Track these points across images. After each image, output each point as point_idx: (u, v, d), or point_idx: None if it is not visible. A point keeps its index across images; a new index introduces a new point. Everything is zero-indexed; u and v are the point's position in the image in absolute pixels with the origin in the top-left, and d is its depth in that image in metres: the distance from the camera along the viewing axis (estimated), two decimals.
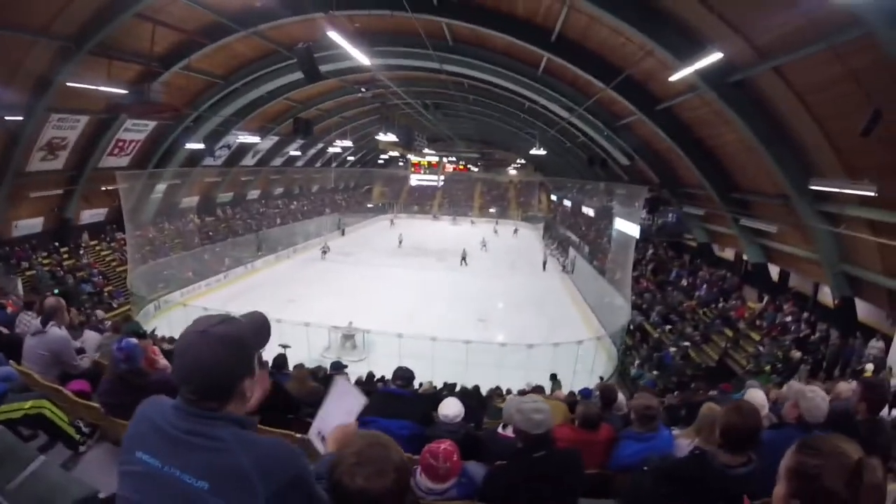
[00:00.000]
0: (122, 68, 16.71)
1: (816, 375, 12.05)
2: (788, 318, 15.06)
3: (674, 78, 11.83)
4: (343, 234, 43.17)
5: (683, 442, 3.94)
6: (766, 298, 16.72)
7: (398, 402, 4.58)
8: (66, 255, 20.72)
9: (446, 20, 15.56)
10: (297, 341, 12.03)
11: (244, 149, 30.14)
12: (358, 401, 2.47)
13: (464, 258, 32.84)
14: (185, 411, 1.39)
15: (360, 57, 13.25)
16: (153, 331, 15.11)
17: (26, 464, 2.05)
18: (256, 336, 1.53)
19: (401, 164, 56.03)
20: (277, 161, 36.08)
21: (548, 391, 11.46)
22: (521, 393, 9.45)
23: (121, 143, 20.92)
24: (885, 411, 4.82)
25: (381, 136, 31.34)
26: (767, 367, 13.56)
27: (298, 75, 20.11)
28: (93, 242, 22.61)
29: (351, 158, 50.20)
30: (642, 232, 21.30)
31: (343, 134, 36.57)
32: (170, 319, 17.44)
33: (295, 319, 15.06)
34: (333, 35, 11.70)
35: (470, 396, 8.75)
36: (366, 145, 46.61)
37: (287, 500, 1.34)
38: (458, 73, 21.71)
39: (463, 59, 19.43)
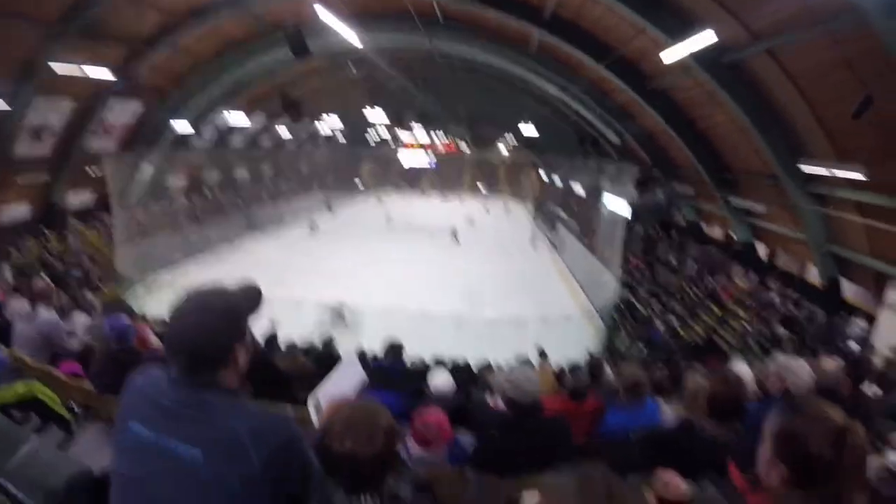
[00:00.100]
0: (107, 50, 16.40)
1: (802, 353, 12.23)
2: (775, 297, 15.21)
3: (667, 58, 11.80)
4: (331, 211, 42.92)
5: (669, 413, 4.01)
6: (753, 277, 16.87)
7: (389, 374, 4.64)
8: (53, 240, 20.48)
9: None
10: (288, 319, 12.02)
11: (232, 129, 29.77)
12: (360, 379, 2.51)
13: (454, 235, 32.84)
14: (178, 381, 1.40)
15: (350, 35, 13.08)
16: (143, 312, 15.09)
17: (20, 446, 2.04)
18: (248, 302, 1.54)
19: (390, 141, 55.57)
20: (265, 141, 35.67)
21: (536, 366, 11.57)
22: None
23: (107, 126, 20.57)
24: (868, 388, 4.95)
25: (370, 113, 31.08)
26: (754, 345, 13.72)
27: (286, 54, 19.78)
28: (81, 226, 22.33)
29: (340, 136, 49.74)
30: (632, 210, 21.35)
31: (331, 111, 36.19)
32: (159, 300, 17.35)
33: (285, 297, 15.06)
34: (322, 13, 11.54)
35: (460, 371, 8.81)
36: (355, 123, 46.19)
37: (279, 464, 1.35)
38: (449, 50, 21.50)
39: (454, 38, 19.22)
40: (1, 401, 3.07)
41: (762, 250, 17.17)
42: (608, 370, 6.21)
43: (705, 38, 9.91)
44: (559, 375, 7.52)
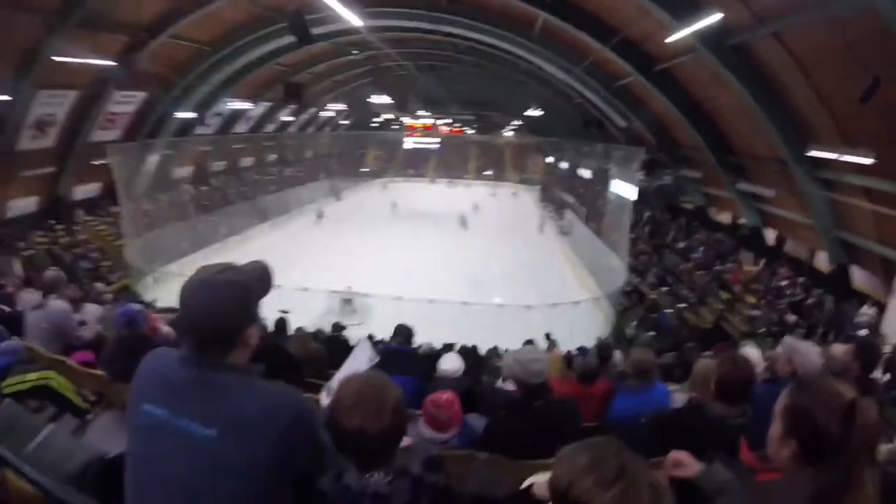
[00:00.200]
0: (108, 40, 16.27)
1: (810, 340, 12.19)
2: (784, 283, 15.13)
3: (671, 39, 11.68)
4: (339, 199, 42.91)
5: (679, 396, 4.01)
6: (761, 262, 16.79)
7: (399, 357, 4.66)
8: (61, 233, 20.53)
9: None
10: (297, 307, 12.06)
11: (236, 116, 29.68)
12: (369, 357, 2.55)
13: (463, 221, 32.73)
14: (190, 360, 1.40)
15: (353, 18, 12.94)
16: (153, 301, 15.17)
17: (35, 433, 2.07)
18: (259, 283, 1.53)
19: (395, 127, 55.37)
20: (270, 128, 35.62)
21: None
22: None
23: (111, 117, 20.53)
24: (878, 374, 4.92)
25: (374, 99, 30.96)
26: (763, 330, 13.68)
27: (289, 40, 19.76)
28: (88, 218, 22.37)
29: (344, 122, 49.63)
30: (639, 194, 21.23)
31: (336, 98, 36.09)
32: (169, 290, 17.42)
33: (293, 285, 15.11)
34: None
35: (468, 355, 8.85)
36: (359, 109, 46.05)
37: (291, 439, 1.36)
38: (452, 33, 21.33)
39: (458, 20, 19.06)
40: (15, 390, 3.10)
41: (770, 236, 17.06)
42: (617, 354, 6.22)
43: (710, 20, 9.80)
44: (568, 360, 7.53)
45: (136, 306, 4.02)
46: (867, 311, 11.86)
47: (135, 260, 20.13)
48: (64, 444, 2.08)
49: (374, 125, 54.71)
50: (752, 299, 15.55)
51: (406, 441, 1.75)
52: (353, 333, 11.16)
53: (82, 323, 5.55)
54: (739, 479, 1.75)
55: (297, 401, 1.44)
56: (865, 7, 7.75)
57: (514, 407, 3.00)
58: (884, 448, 2.60)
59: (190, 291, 1.41)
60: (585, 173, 32.52)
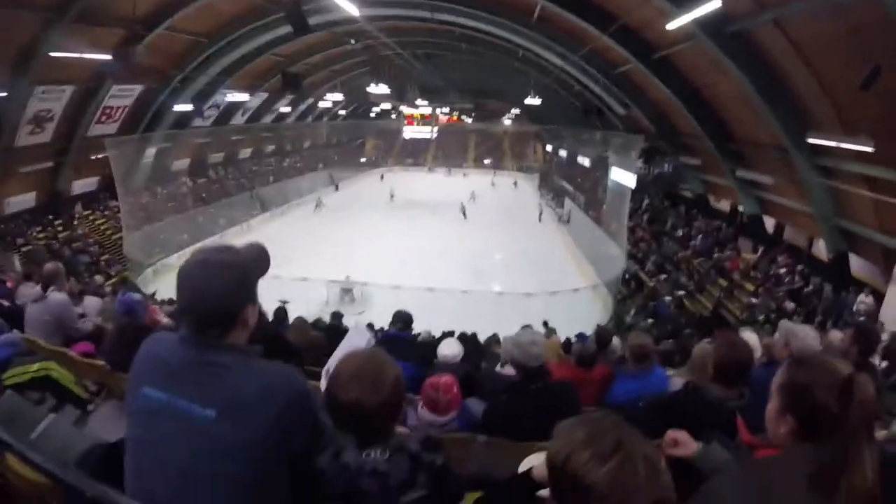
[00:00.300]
0: (104, 34, 16.19)
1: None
2: (782, 270, 15.14)
3: (671, 26, 11.61)
4: (337, 189, 42.82)
5: (677, 380, 4.03)
6: (760, 250, 16.79)
7: (398, 344, 4.66)
8: (60, 228, 20.53)
9: None
10: (296, 296, 12.09)
11: (233, 107, 29.60)
12: (367, 340, 2.57)
13: (463, 210, 32.70)
14: (189, 341, 1.41)
15: (349, 7, 12.87)
16: (153, 294, 15.20)
17: (36, 424, 2.08)
18: (256, 263, 1.54)
19: (393, 116, 55.20)
20: (268, 118, 35.53)
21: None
22: None
23: (108, 111, 20.45)
24: (877, 361, 4.93)
25: (373, 88, 30.80)
26: (761, 318, 13.70)
27: (285, 30, 19.68)
28: (87, 212, 22.36)
29: (342, 112, 49.46)
30: (638, 182, 21.20)
31: (333, 87, 35.92)
32: (168, 283, 17.44)
33: (293, 275, 15.14)
34: None
35: (468, 342, 8.87)
36: (357, 98, 45.85)
37: (289, 420, 1.37)
38: (449, 21, 21.20)
39: (455, 7, 18.95)
40: (16, 381, 3.11)
41: (769, 223, 17.04)
42: (616, 341, 6.24)
43: (710, 7, 9.74)
44: (566, 346, 7.55)
45: (136, 296, 4.02)
46: (865, 300, 11.88)
47: (134, 253, 20.16)
48: (65, 434, 2.09)
49: (372, 115, 54.57)
50: (750, 287, 15.56)
51: (404, 430, 1.75)
52: (351, 322, 11.20)
53: (82, 315, 5.55)
54: (737, 459, 1.76)
55: (295, 381, 1.45)
56: None
57: (513, 390, 3.02)
58: (881, 434, 2.61)
59: (188, 273, 1.41)
60: (584, 161, 32.47)
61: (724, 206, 20.03)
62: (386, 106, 50.53)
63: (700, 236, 19.83)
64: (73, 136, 19.47)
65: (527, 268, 22.07)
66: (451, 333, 10.75)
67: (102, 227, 22.41)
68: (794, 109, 11.91)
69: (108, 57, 15.52)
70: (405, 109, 50.21)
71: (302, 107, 39.14)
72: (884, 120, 9.43)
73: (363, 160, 54.86)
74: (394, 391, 1.55)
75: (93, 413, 3.37)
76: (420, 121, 52.54)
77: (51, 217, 20.49)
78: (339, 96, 34.80)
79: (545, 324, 14.00)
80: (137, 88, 21.00)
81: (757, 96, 12.20)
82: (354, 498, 1.49)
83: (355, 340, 2.60)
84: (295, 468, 1.44)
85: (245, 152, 36.12)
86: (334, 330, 8.27)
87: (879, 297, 11.67)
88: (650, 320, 16.61)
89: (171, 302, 10.66)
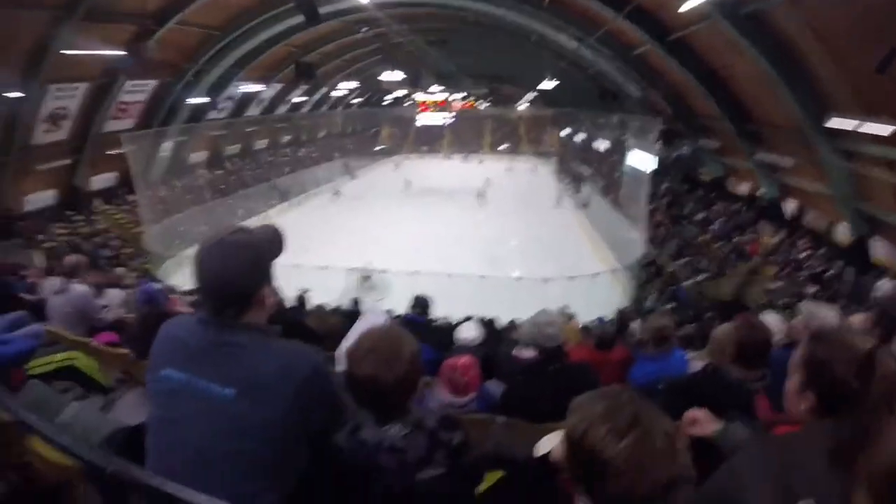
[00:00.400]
0: (115, 30, 16.38)
1: None
2: (803, 255, 14.92)
3: (685, 8, 11.45)
4: (353, 177, 42.89)
5: (697, 363, 3.99)
6: (781, 234, 16.54)
7: (417, 328, 4.66)
8: (81, 223, 20.76)
9: None
10: (316, 285, 12.15)
11: (248, 99, 29.74)
12: (381, 319, 2.58)
13: (480, 196, 32.49)
14: (207, 322, 1.44)
15: None
16: (174, 287, 15.38)
17: (60, 412, 2.11)
18: (271, 244, 1.56)
19: (407, 103, 54.97)
20: (282, 109, 35.62)
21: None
22: None
23: (123, 106, 20.70)
24: None
25: (386, 75, 30.73)
26: (781, 302, 13.53)
27: (297, 20, 19.66)
28: (106, 207, 22.61)
29: (356, 101, 49.40)
30: (657, 165, 20.95)
31: (347, 76, 35.90)
32: (188, 274, 17.55)
33: (312, 264, 15.22)
34: None
35: (486, 327, 8.87)
36: (371, 86, 45.76)
37: (307, 397, 1.40)
38: (461, 6, 21.03)
39: None
40: (41, 371, 3.15)
41: (790, 207, 16.75)
42: (635, 324, 6.21)
43: None
44: (586, 330, 7.52)
45: (156, 285, 4.08)
46: (887, 283, 11.65)
47: (154, 245, 20.38)
48: (90, 419, 2.12)
49: (386, 103, 54.39)
50: (771, 271, 15.35)
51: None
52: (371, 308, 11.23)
53: (105, 307, 5.63)
54: (757, 436, 1.74)
55: (313, 359, 1.47)
56: None
57: (531, 371, 3.01)
58: None
59: (204, 254, 1.43)
60: (602, 145, 32.12)
61: (744, 189, 19.72)
62: (400, 93, 50.37)
63: (720, 220, 19.59)
64: (89, 132, 19.69)
65: (545, 253, 21.88)
66: (469, 319, 10.77)
67: (122, 221, 22.64)
68: (812, 91, 11.73)
69: (120, 53, 15.66)
70: (419, 96, 49.96)
71: (316, 96, 39.18)
72: None
73: (378, 148, 54.70)
74: (410, 366, 1.56)
75: (118, 401, 3.42)
76: (434, 107, 52.19)
77: (71, 213, 20.72)
78: (353, 84, 34.76)
79: (563, 309, 13.96)
80: (151, 83, 21.18)
81: (774, 77, 12.03)
82: (372, 475, 1.50)
83: (371, 319, 2.62)
84: (313, 445, 1.47)
85: (261, 143, 36.25)
86: (354, 316, 8.30)
87: None
88: (670, 305, 16.47)
89: (192, 292, 10.78)
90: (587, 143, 36.48)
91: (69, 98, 17.78)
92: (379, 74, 34.97)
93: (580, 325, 9.56)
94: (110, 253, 19.80)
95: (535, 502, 1.28)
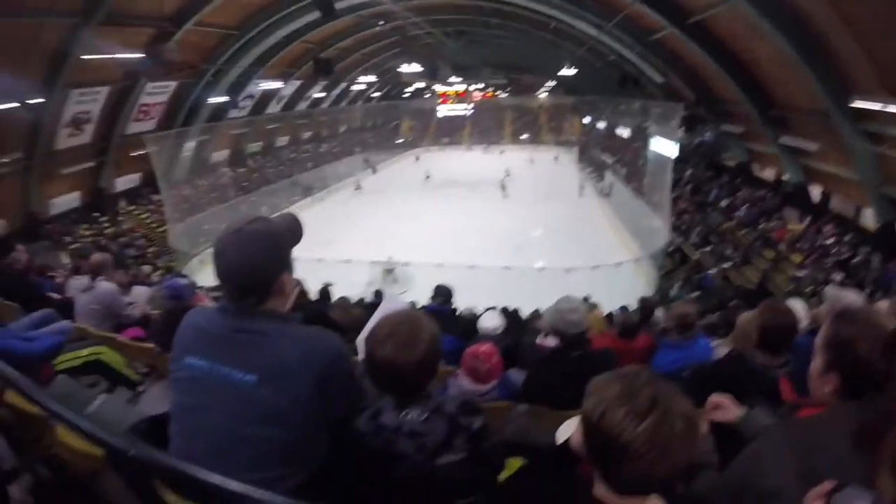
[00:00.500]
0: (134, 34, 16.66)
1: None
2: (829, 241, 14.61)
3: None
4: (375, 171, 43.01)
5: (721, 350, 3.93)
6: (806, 220, 16.21)
7: (439, 317, 4.65)
8: (106, 224, 21.16)
9: None
10: (339, 279, 12.21)
11: (268, 97, 29.99)
12: (401, 306, 2.59)
13: (503, 187, 32.28)
14: (228, 310, 1.45)
15: None
16: (200, 287, 15.58)
17: (87, 405, 2.15)
18: (290, 232, 1.57)
19: (427, 95, 54.83)
20: (302, 105, 35.84)
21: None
22: None
23: (144, 108, 21.02)
24: None
25: (404, 68, 30.66)
26: (808, 290, 13.27)
27: (313, 16, 19.76)
28: (131, 208, 23.01)
29: (376, 95, 49.45)
30: (679, 152, 20.64)
31: (365, 70, 35.94)
32: (213, 272, 17.77)
33: (335, 258, 15.32)
34: None
35: (509, 317, 8.83)
36: (390, 80, 45.81)
37: (328, 381, 1.41)
38: None
39: None
40: (68, 366, 3.23)
41: (815, 192, 16.39)
42: (659, 312, 6.13)
43: None
44: (609, 319, 7.45)
45: (182, 280, 4.12)
46: None
47: (179, 244, 20.66)
48: (116, 411, 2.16)
49: (405, 95, 54.34)
50: (797, 258, 15.06)
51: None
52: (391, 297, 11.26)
53: (131, 304, 5.72)
54: (780, 420, 1.71)
55: (334, 345, 1.48)
56: None
57: (553, 358, 2.99)
58: None
59: (223, 243, 1.44)
60: (624, 132, 31.76)
61: (769, 174, 19.34)
62: (419, 85, 50.28)
63: (744, 207, 19.26)
64: (112, 135, 20.05)
65: (568, 243, 21.71)
66: (492, 309, 10.72)
67: (147, 221, 23.03)
68: (835, 72, 11.41)
69: (140, 56, 15.87)
70: (438, 88, 49.83)
71: (336, 91, 39.34)
72: None
73: (399, 141, 54.76)
74: (429, 349, 1.56)
75: (143, 394, 3.49)
76: (454, 98, 52.02)
77: (96, 214, 21.11)
78: (371, 78, 34.78)
79: (586, 299, 13.84)
80: (172, 84, 21.45)
81: (796, 58, 11.71)
82: (391, 460, 1.51)
83: (391, 307, 2.62)
84: (334, 431, 1.48)
85: (282, 140, 36.56)
86: (376, 308, 8.33)
87: None
88: (695, 293, 16.26)
89: (216, 288, 10.88)
90: (609, 131, 36.11)
91: (91, 102, 18.11)
92: (397, 68, 34.93)
93: (604, 315, 9.49)
94: (136, 252, 20.14)
95: (555, 489, 1.27)
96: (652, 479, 1.05)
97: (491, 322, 4.32)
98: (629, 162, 30.24)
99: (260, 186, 30.68)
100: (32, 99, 15.14)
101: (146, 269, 16.65)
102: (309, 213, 29.87)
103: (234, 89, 24.56)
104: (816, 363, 1.35)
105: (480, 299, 10.66)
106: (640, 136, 26.28)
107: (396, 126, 56.80)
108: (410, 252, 18.32)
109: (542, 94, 54.50)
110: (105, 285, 4.66)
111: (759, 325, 2.48)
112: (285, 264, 1.50)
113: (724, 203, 20.84)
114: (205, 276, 17.94)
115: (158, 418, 1.59)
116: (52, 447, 1.79)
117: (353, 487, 1.55)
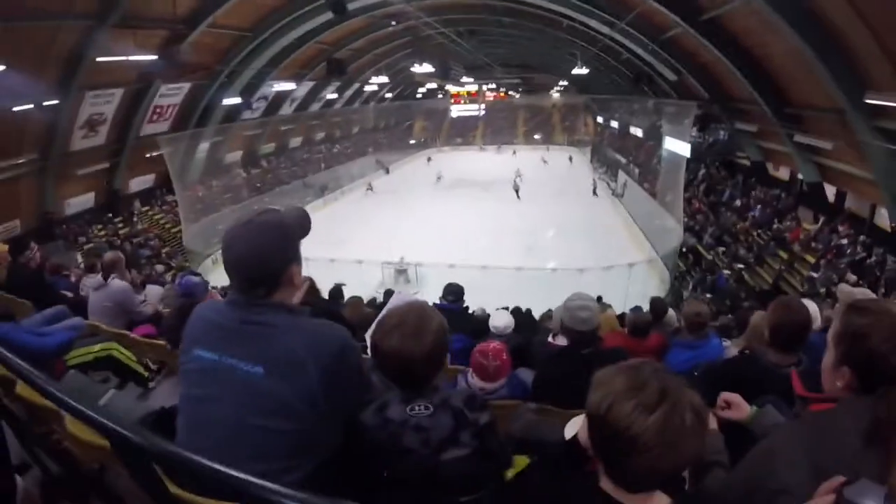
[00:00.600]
0: (147, 36, 16.81)
1: None
2: (844, 241, 14.41)
3: None
4: (387, 172, 43.09)
5: (733, 350, 3.89)
6: (821, 220, 16.01)
7: (450, 316, 4.64)
8: (120, 225, 21.42)
9: None
10: (352, 279, 12.24)
11: (281, 98, 30.12)
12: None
13: (516, 189, 32.09)
14: (237, 302, 1.45)
15: None
16: (214, 287, 15.67)
17: (97, 400, 2.16)
18: (298, 224, 1.58)
19: (440, 95, 54.86)
20: (315, 106, 35.97)
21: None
22: None
23: (158, 110, 21.20)
24: None
25: (417, 68, 30.67)
26: (822, 291, 13.11)
27: (326, 17, 19.83)
28: (145, 208, 23.26)
29: (388, 95, 49.54)
30: (693, 151, 20.49)
31: (378, 71, 36.03)
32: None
33: (348, 258, 15.36)
34: None
35: (521, 317, 8.80)
36: (402, 80, 45.86)
37: (335, 373, 1.41)
38: None
39: None
40: (80, 361, 3.26)
41: (830, 192, 16.19)
42: (671, 312, 6.07)
43: None
44: (621, 319, 7.39)
45: (195, 278, 4.14)
46: None
47: (193, 244, 20.84)
48: (125, 405, 2.17)
49: (418, 96, 54.38)
50: (811, 258, 14.89)
51: None
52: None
53: (143, 302, 5.76)
54: (792, 415, 1.68)
55: (341, 337, 1.48)
56: None
57: (562, 356, 2.96)
58: None
59: (232, 235, 1.45)
60: (637, 131, 31.60)
61: (783, 174, 19.15)
62: (432, 86, 50.30)
63: (759, 206, 19.07)
64: (127, 136, 20.26)
65: (581, 243, 21.65)
66: (504, 309, 10.69)
67: (161, 222, 23.26)
68: (850, 69, 11.23)
69: (153, 58, 16.01)
70: (451, 88, 49.83)
71: (348, 92, 39.45)
72: None
73: (412, 142, 54.82)
74: (437, 341, 1.56)
75: (154, 390, 3.51)
76: (467, 98, 52.06)
77: (110, 215, 21.36)
78: (384, 79, 34.87)
79: (599, 299, 13.75)
80: (186, 86, 21.62)
81: (812, 55, 11.55)
82: (396, 454, 1.50)
83: (401, 298, 2.62)
84: (340, 424, 1.48)
85: (295, 141, 36.78)
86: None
87: None
88: (708, 295, 16.13)
89: (230, 288, 10.92)
90: (622, 130, 35.93)
91: (105, 104, 18.30)
92: (409, 68, 34.97)
93: (616, 314, 9.43)
94: (150, 252, 20.32)
95: (563, 486, 1.25)
96: (658, 474, 1.04)
97: (501, 321, 4.29)
98: (642, 161, 30.08)
99: (273, 187, 30.92)
100: (48, 101, 15.32)
101: (159, 268, 16.78)
102: (321, 213, 30.02)
103: (248, 90, 24.69)
104: (828, 357, 1.32)
105: (493, 300, 10.65)
106: (654, 136, 26.12)
107: (409, 126, 56.86)
108: (423, 252, 18.34)
109: (555, 94, 54.31)
110: (118, 283, 4.70)
111: (770, 322, 2.44)
112: (294, 256, 1.51)
113: (737, 203, 20.66)
114: (218, 275, 18.00)
115: (167, 411, 1.59)
116: (61, 441, 1.81)
117: (360, 481, 1.54)
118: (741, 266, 16.89)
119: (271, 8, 20.72)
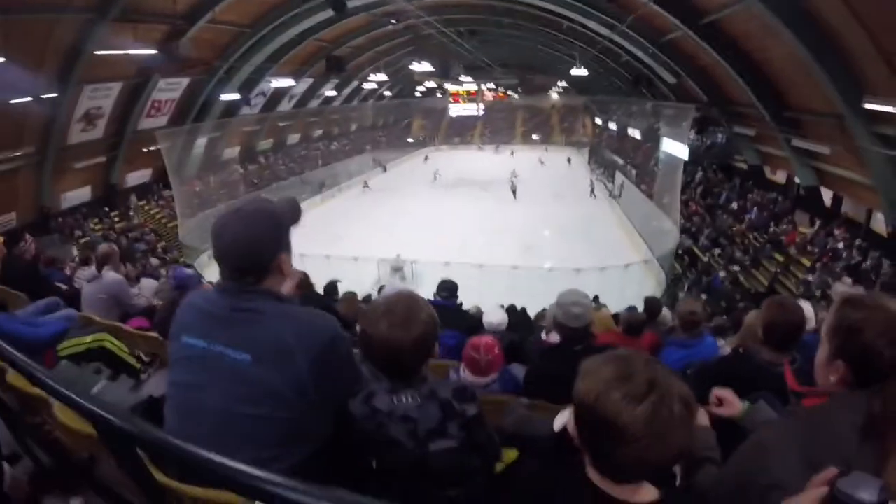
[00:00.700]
0: (147, 30, 16.76)
1: None
2: (840, 245, 14.47)
3: None
4: (385, 170, 43.09)
5: (728, 349, 3.89)
6: (817, 224, 16.06)
7: (443, 312, 4.64)
8: (116, 219, 21.37)
9: None
10: (347, 276, 12.23)
11: (280, 94, 30.07)
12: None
13: (513, 190, 32.01)
14: (226, 290, 1.46)
15: None
16: (210, 281, 15.65)
17: (89, 390, 2.15)
18: (288, 212, 1.58)
19: (439, 94, 54.81)
20: (314, 103, 35.91)
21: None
22: None
23: (157, 104, 21.16)
24: None
25: (416, 67, 30.60)
26: (818, 293, 13.14)
27: (326, 14, 19.79)
28: (141, 203, 23.22)
29: (387, 93, 49.49)
30: (691, 153, 20.51)
31: (377, 69, 36.01)
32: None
33: (343, 255, 15.32)
34: None
35: (517, 316, 8.79)
36: (402, 79, 45.81)
37: (325, 363, 1.41)
38: None
39: None
40: (71, 352, 3.25)
41: (827, 195, 16.25)
42: (665, 312, 6.08)
43: None
44: (616, 318, 7.40)
45: (188, 271, 4.13)
46: None
47: (189, 239, 20.76)
48: (117, 396, 2.16)
49: (417, 95, 54.33)
50: (807, 262, 14.93)
51: None
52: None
53: (138, 295, 5.74)
54: (785, 410, 1.68)
55: (332, 327, 1.47)
56: None
57: (555, 352, 2.95)
58: None
59: (222, 222, 1.45)
60: (635, 133, 31.63)
61: (780, 177, 19.22)
62: (431, 84, 50.26)
63: (755, 209, 19.12)
64: (124, 130, 20.21)
65: (577, 243, 21.63)
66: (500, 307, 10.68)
67: (158, 216, 23.20)
68: (849, 74, 11.28)
69: (153, 52, 15.97)
70: (450, 87, 49.78)
71: (347, 90, 39.41)
72: None
73: (410, 140, 54.79)
74: (426, 329, 1.55)
75: (146, 381, 3.50)
76: (466, 98, 52.02)
77: (107, 209, 21.30)
78: (383, 77, 34.85)
79: (595, 299, 13.76)
80: (184, 81, 21.57)
81: (810, 59, 11.58)
82: (383, 445, 1.49)
83: (389, 289, 2.62)
84: (330, 414, 1.48)
85: (293, 137, 36.74)
86: None
87: None
88: (704, 296, 16.15)
89: (221, 275, 10.88)
90: (621, 132, 35.97)
91: (104, 98, 18.24)
92: (409, 66, 34.93)
93: (611, 313, 9.43)
94: (145, 247, 20.27)
95: (552, 478, 1.25)
96: (646, 465, 1.04)
97: (495, 317, 4.29)
98: (640, 163, 30.11)
99: (271, 183, 30.86)
100: (46, 94, 15.26)
101: (154, 261, 16.73)
102: (318, 210, 29.97)
103: (247, 86, 24.66)
104: (822, 352, 1.32)
105: (490, 299, 10.64)
106: (652, 138, 26.14)
107: (408, 125, 56.83)
108: (419, 250, 18.32)
109: (554, 95, 54.33)
110: (112, 275, 4.69)
111: (764, 321, 2.44)
112: (284, 244, 1.51)
113: (734, 205, 20.71)
114: (213, 271, 17.96)
115: (156, 400, 1.59)
116: (52, 432, 1.80)
117: (348, 471, 1.54)
118: (737, 268, 16.92)
119: (271, 4, 20.70)
